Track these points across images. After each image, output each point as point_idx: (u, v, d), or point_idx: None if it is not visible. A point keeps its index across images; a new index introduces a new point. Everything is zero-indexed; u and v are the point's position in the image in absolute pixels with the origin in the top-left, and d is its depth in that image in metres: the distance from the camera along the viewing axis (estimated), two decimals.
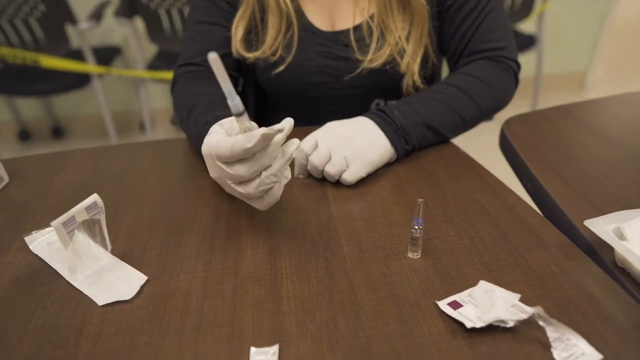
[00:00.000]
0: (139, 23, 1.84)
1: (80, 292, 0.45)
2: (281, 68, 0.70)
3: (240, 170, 0.42)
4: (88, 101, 2.35)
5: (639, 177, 0.58)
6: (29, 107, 2.35)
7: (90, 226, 0.44)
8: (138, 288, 0.44)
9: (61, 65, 1.82)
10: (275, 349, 0.38)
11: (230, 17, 0.70)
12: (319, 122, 0.73)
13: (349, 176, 0.56)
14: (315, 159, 0.56)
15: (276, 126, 0.42)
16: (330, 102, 0.74)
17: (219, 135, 0.44)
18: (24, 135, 2.35)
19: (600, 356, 0.35)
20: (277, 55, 0.70)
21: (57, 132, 2.40)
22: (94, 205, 0.43)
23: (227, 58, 0.72)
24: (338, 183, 0.59)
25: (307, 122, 0.76)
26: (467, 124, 0.67)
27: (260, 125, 0.44)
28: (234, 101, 0.39)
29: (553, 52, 2.46)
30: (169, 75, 1.85)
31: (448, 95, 0.65)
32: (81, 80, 1.91)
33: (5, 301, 0.44)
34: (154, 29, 1.83)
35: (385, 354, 0.38)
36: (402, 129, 0.61)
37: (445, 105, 0.64)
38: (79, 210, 0.42)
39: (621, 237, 0.45)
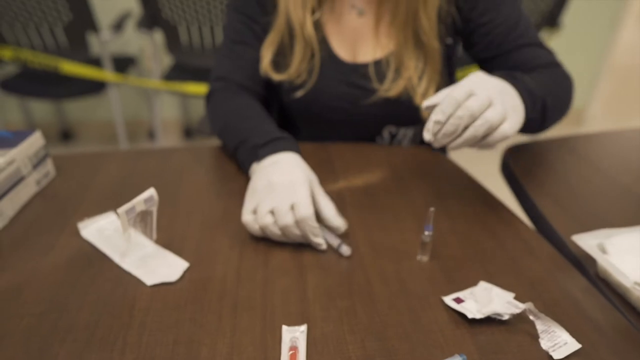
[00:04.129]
0: (158, 36, 1.93)
1: (129, 273, 0.51)
2: (302, 92, 0.78)
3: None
4: (98, 107, 2.42)
5: (622, 204, 0.66)
6: (41, 110, 2.42)
7: (144, 217, 0.51)
8: (181, 272, 0.50)
9: (81, 72, 1.89)
10: (303, 327, 0.44)
11: (262, 40, 0.78)
12: (334, 141, 0.81)
13: (510, 128, 0.52)
14: (475, 104, 0.50)
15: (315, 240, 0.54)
16: (346, 125, 0.81)
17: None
18: None
19: (579, 345, 0.42)
20: (301, 79, 0.77)
21: (66, 136, 2.46)
22: (151, 198, 0.50)
23: (259, 78, 0.79)
24: (355, 192, 0.66)
25: (323, 141, 0.83)
26: (553, 122, 0.70)
27: None
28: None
29: None
30: (183, 87, 1.93)
31: (554, 93, 0.67)
32: (96, 87, 1.98)
33: (63, 277, 0.50)
34: (172, 42, 1.92)
35: (398, 336, 0.44)
36: (535, 108, 0.60)
37: (546, 97, 0.65)
38: (139, 201, 0.48)
39: (603, 251, 0.52)
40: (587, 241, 0.51)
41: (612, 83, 2.73)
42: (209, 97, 0.78)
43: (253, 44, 0.78)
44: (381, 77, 0.76)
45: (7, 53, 1.81)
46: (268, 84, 0.81)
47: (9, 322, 0.44)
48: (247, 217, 0.55)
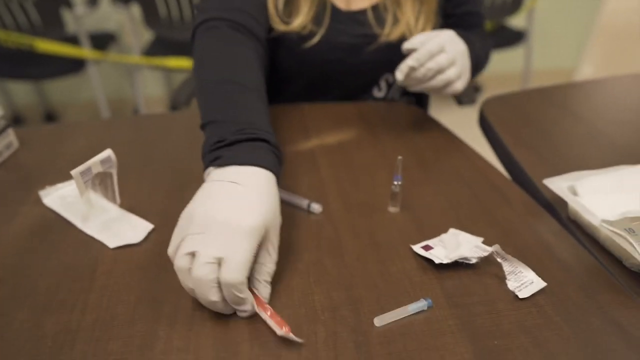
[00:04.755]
0: (135, 10, 1.87)
1: (92, 238, 0.50)
2: (311, 42, 0.72)
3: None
4: (81, 87, 2.37)
5: (598, 149, 0.64)
6: (22, 93, 2.36)
7: (103, 179, 0.49)
8: (145, 234, 0.49)
9: (57, 50, 1.84)
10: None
11: None
12: (327, 92, 0.80)
13: (460, 86, 0.63)
14: (444, 61, 0.60)
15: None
16: (344, 75, 0.78)
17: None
18: (17, 120, 2.37)
19: (544, 284, 0.41)
20: (307, 30, 0.72)
21: (50, 118, 2.42)
22: (108, 159, 0.48)
23: (262, 17, 0.69)
24: (328, 148, 0.64)
25: (316, 92, 0.80)
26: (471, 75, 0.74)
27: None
28: None
29: (542, 47, 2.53)
30: (164, 61, 1.89)
31: (480, 54, 0.76)
32: (75, 66, 1.93)
33: (24, 245, 0.49)
34: (151, 15, 1.86)
35: (364, 285, 0.43)
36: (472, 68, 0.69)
37: (479, 58, 0.75)
38: (94, 162, 0.47)
39: (574, 193, 0.51)
40: (558, 184, 0.51)
41: (602, 43, 2.69)
42: (194, 41, 0.63)
43: None
44: (381, 22, 0.73)
45: None
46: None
47: None
48: (170, 249, 0.40)
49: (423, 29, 0.74)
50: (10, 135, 0.65)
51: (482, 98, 0.85)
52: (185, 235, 0.39)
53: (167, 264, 0.46)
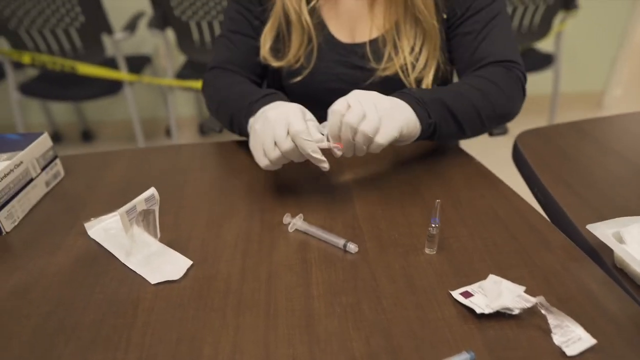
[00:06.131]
0: (170, 34, 1.95)
1: (134, 272, 0.51)
2: (301, 77, 0.79)
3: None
4: (116, 107, 2.46)
5: None
6: (62, 111, 2.47)
7: (146, 215, 0.51)
8: (185, 270, 0.50)
9: (97, 73, 1.92)
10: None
11: (260, 31, 0.79)
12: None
13: (381, 138, 0.55)
14: (351, 117, 0.54)
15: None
16: None
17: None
18: (56, 137, 2.47)
19: (594, 341, 0.40)
20: (299, 64, 0.78)
21: (87, 136, 2.51)
22: (152, 197, 0.50)
23: (254, 65, 0.81)
24: (363, 184, 0.64)
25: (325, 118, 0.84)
26: (481, 120, 0.68)
27: None
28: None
29: (571, 70, 2.48)
30: (196, 84, 1.94)
31: (464, 89, 0.68)
32: (113, 87, 2.01)
33: (70, 276, 0.51)
34: (184, 40, 1.93)
35: (403, 333, 0.43)
36: (422, 101, 0.62)
37: (462, 95, 0.67)
38: (139, 201, 0.48)
39: (620, 240, 0.50)
40: (603, 230, 0.49)
41: (631, 66, 2.62)
42: (204, 85, 0.80)
43: (248, 33, 0.79)
44: (378, 57, 0.76)
45: (26, 57, 1.85)
46: (267, 69, 0.83)
47: (18, 321, 0.45)
48: (263, 162, 0.58)
49: (424, 65, 0.74)
50: (58, 165, 0.68)
51: (511, 125, 0.84)
52: (262, 142, 0.58)
53: (206, 303, 0.47)
